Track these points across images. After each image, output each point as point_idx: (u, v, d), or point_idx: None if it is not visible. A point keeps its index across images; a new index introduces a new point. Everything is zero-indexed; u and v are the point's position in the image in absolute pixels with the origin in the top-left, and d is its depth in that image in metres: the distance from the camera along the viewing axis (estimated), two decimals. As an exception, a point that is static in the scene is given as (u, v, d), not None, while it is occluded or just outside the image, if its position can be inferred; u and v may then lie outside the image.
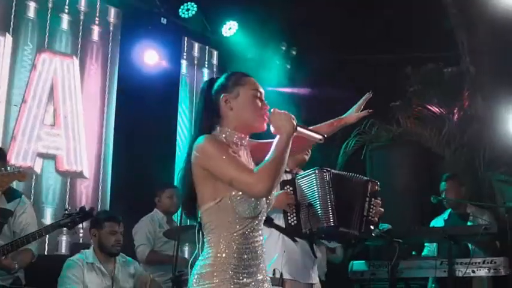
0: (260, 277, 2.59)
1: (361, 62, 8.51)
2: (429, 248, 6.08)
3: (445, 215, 6.19)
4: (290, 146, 2.57)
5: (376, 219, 4.07)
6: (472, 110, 7.82)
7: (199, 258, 2.60)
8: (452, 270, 5.33)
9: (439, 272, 5.48)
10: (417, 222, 6.67)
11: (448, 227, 5.59)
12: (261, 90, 2.74)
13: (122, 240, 4.81)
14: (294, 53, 9.09)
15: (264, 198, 2.59)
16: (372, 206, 4.02)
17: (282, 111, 2.65)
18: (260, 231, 2.64)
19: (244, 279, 2.53)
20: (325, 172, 3.91)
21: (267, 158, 2.52)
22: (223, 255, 2.52)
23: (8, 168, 3.41)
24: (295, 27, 8.48)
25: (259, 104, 2.70)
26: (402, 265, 5.59)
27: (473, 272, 5.37)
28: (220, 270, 2.51)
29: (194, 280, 2.55)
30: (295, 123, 2.60)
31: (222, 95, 2.67)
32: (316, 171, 3.90)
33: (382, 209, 4.07)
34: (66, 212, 4.35)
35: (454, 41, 8.18)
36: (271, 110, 2.66)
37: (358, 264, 5.90)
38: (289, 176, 4.07)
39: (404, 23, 8.12)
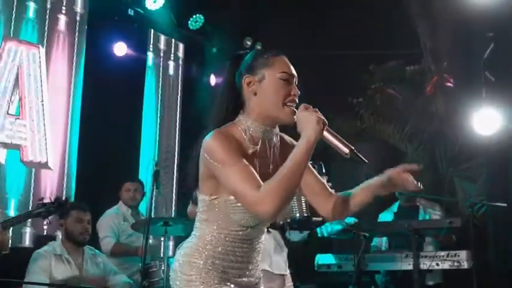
0: (245, 280, 2.42)
1: (324, 58, 8.58)
2: (377, 239, 6.19)
3: (394, 208, 6.32)
4: (311, 155, 2.21)
5: None
6: (434, 107, 7.97)
7: (184, 243, 2.45)
8: (417, 264, 5.44)
9: (404, 264, 5.59)
10: (377, 217, 6.77)
11: (414, 221, 5.68)
12: (293, 73, 2.38)
13: (89, 230, 4.76)
14: (259, 47, 9.10)
15: None
16: None
17: (310, 108, 2.28)
18: (257, 239, 2.43)
19: (222, 278, 2.35)
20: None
21: (280, 169, 2.20)
22: (205, 252, 2.36)
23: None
24: (260, 22, 8.51)
25: (288, 90, 2.35)
26: (368, 258, 5.70)
27: (437, 265, 5.49)
28: (199, 263, 2.35)
29: (175, 265, 2.41)
30: (321, 127, 2.23)
31: (246, 76, 2.37)
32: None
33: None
34: (42, 201, 4.29)
35: (417, 40, 8.32)
36: (300, 106, 2.31)
37: (324, 257, 5.97)
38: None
39: (367, 20, 8.21)
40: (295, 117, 2.30)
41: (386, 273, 5.95)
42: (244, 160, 2.24)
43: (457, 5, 7.14)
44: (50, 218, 4.27)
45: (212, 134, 2.28)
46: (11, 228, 4.28)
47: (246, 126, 2.37)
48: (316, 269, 5.96)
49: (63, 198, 4.36)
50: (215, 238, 2.36)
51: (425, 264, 5.46)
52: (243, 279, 2.42)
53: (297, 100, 2.36)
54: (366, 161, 2.28)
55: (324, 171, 4.14)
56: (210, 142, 2.26)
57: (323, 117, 2.24)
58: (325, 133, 2.27)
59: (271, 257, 4.11)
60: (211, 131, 2.31)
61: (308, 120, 2.23)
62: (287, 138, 2.55)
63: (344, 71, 8.25)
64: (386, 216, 6.32)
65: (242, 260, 2.40)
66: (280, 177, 2.16)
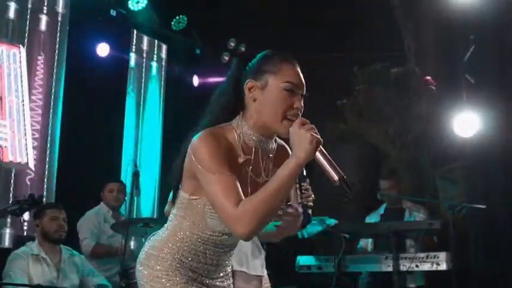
0: (213, 283, 2.33)
1: (309, 60, 8.56)
2: (364, 240, 6.21)
3: (381, 210, 6.34)
4: (298, 174, 2.10)
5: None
6: (417, 109, 8.00)
7: (155, 235, 2.37)
8: (397, 265, 5.47)
9: (384, 266, 5.62)
10: (361, 218, 6.80)
11: (394, 223, 5.71)
12: (299, 82, 2.19)
13: (65, 227, 4.74)
14: (243, 49, 9.10)
15: None
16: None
17: (307, 125, 2.09)
18: (232, 245, 2.35)
19: (190, 278, 2.26)
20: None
21: (263, 188, 2.07)
22: (174, 248, 2.27)
23: None
24: (243, 23, 8.51)
25: (291, 103, 2.17)
26: (348, 260, 5.72)
27: (416, 266, 5.52)
28: (167, 258, 2.26)
29: (143, 257, 2.33)
30: (314, 148, 2.06)
31: (249, 80, 2.20)
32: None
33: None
34: (16, 199, 4.27)
35: (401, 42, 8.36)
36: (296, 120, 2.12)
37: (304, 259, 5.99)
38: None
39: (352, 22, 8.24)
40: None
41: (369, 274, 5.98)
42: (229, 169, 2.11)
43: (439, 8, 7.17)
44: (24, 215, 4.23)
45: (202, 134, 2.16)
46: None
47: (241, 132, 2.23)
48: (296, 270, 5.97)
49: (37, 195, 4.31)
50: (187, 237, 2.27)
51: (405, 266, 5.49)
52: (212, 282, 2.34)
53: (300, 114, 2.18)
54: (350, 191, 2.11)
55: (305, 174, 4.15)
56: (198, 142, 2.15)
57: (318, 136, 2.07)
58: (318, 154, 2.11)
59: (249, 259, 4.11)
60: (204, 127, 2.20)
61: (301, 138, 2.06)
62: (287, 148, 2.38)
63: (329, 73, 8.26)
64: (372, 218, 6.34)
65: (212, 263, 2.32)
66: (261, 198, 2.04)
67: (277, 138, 2.34)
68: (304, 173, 4.04)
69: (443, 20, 7.20)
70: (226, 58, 8.93)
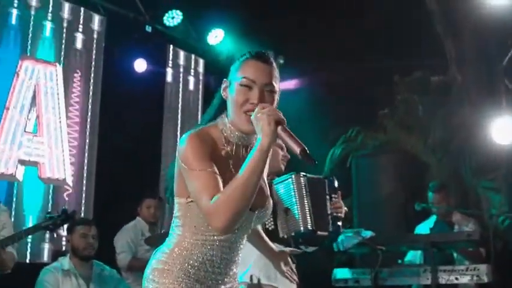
0: None
1: (349, 71, 8.51)
2: (413, 253, 6.05)
3: (431, 223, 6.16)
4: (268, 159, 2.09)
5: (342, 214, 4.07)
6: (458, 118, 7.82)
7: (159, 249, 2.34)
8: (435, 278, 5.31)
9: (422, 279, 5.46)
10: (402, 229, 6.66)
11: (431, 234, 5.57)
12: (255, 77, 2.20)
13: (94, 244, 4.76)
14: (281, 61, 9.08)
15: (247, 212, 2.16)
16: (333, 203, 4.03)
17: (267, 107, 2.12)
18: (236, 245, 2.31)
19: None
20: (301, 177, 3.89)
21: (233, 180, 2.08)
22: (179, 258, 2.25)
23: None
24: (282, 35, 8.48)
25: (247, 98, 2.19)
26: (385, 273, 5.58)
27: (456, 279, 5.35)
28: (172, 270, 2.24)
29: (148, 272, 2.31)
30: (273, 129, 2.07)
31: (224, 80, 2.29)
32: (293, 176, 3.87)
33: (344, 206, 4.06)
34: (49, 215, 4.32)
35: (442, 50, 8.20)
36: (257, 108, 2.14)
37: (341, 272, 5.88)
38: (265, 181, 4.05)
39: (391, 31, 8.13)
40: (249, 125, 2.17)
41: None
42: (211, 166, 2.14)
43: (477, 14, 7.02)
44: (60, 234, 4.29)
45: (186, 135, 2.20)
46: (15, 245, 4.29)
47: (224, 128, 2.26)
48: (333, 283, 5.87)
49: (71, 211, 4.36)
50: (191, 244, 2.25)
51: (443, 279, 5.33)
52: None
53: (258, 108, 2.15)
54: (315, 162, 2.08)
55: (336, 186, 4.09)
56: (182, 143, 2.18)
57: (277, 116, 2.09)
58: (281, 132, 2.09)
59: (277, 272, 4.05)
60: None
61: (260, 123, 2.08)
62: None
63: (369, 83, 8.17)
64: (422, 229, 6.18)
65: (219, 271, 2.29)
66: (232, 189, 2.06)
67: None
68: (336, 185, 4.00)
69: (482, 25, 7.04)
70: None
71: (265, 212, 2.32)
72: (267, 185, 3.71)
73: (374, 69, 8.29)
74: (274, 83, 2.25)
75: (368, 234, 5.60)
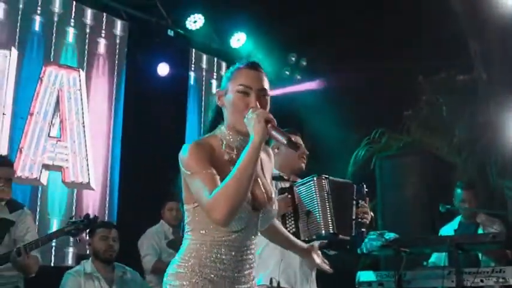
0: None
1: (372, 71, 8.47)
2: (437, 255, 5.98)
3: (455, 224, 6.08)
4: (258, 156, 2.26)
5: (367, 220, 4.03)
6: (484, 117, 7.74)
7: (177, 255, 2.44)
8: (460, 280, 5.23)
9: (446, 281, 5.38)
10: (428, 231, 6.58)
11: (455, 236, 5.49)
12: (250, 83, 2.37)
13: (115, 247, 4.79)
14: (304, 63, 9.06)
15: (251, 211, 2.33)
16: (359, 208, 3.99)
17: (257, 110, 2.31)
18: (245, 245, 2.41)
19: None
20: (323, 179, 3.85)
21: (229, 175, 2.23)
22: (191, 260, 2.35)
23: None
24: (304, 37, 8.46)
25: (246, 103, 2.35)
26: (409, 275, 5.52)
27: (481, 281, 5.26)
28: (185, 273, 2.34)
29: (166, 277, 2.40)
30: (263, 126, 2.26)
31: (217, 90, 2.48)
32: (315, 179, 3.84)
33: (370, 212, 4.03)
34: (71, 219, 4.35)
35: (466, 49, 8.13)
36: (250, 110, 2.32)
37: (365, 275, 5.82)
38: (287, 184, 4.03)
39: (415, 31, 8.08)
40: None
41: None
42: (211, 167, 2.28)
43: (502, 12, 6.94)
44: (84, 238, 4.31)
45: (187, 145, 2.34)
46: (38, 249, 4.33)
47: (223, 136, 2.42)
48: (356, 286, 5.82)
49: (93, 215, 4.38)
50: (201, 246, 2.36)
51: (468, 281, 5.25)
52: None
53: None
54: (296, 150, 2.37)
55: (365, 193, 4.05)
56: (182, 151, 2.33)
57: (266, 115, 2.27)
58: (271, 130, 2.28)
59: (297, 276, 4.03)
60: None
61: (251, 122, 2.27)
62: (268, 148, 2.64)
63: (393, 84, 8.12)
64: (447, 231, 6.11)
65: (232, 270, 2.38)
66: (227, 183, 2.21)
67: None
68: (365, 192, 3.96)
69: (506, 24, 6.95)
70: (287, 73, 8.92)
71: (271, 212, 2.44)
72: (290, 186, 3.73)
73: (398, 70, 8.24)
74: (266, 87, 2.42)
75: (392, 236, 5.55)
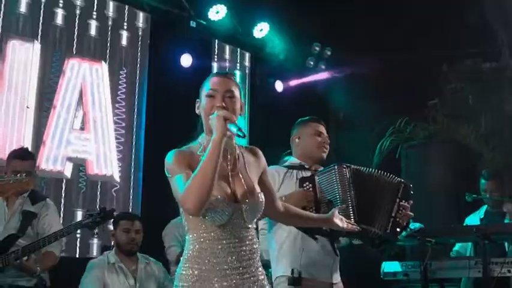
0: (233, 282, 2.53)
1: (397, 60, 8.37)
2: (461, 244, 5.89)
3: (481, 213, 6.00)
4: (220, 151, 2.45)
5: (404, 223, 3.94)
6: (510, 105, 7.62)
7: None
8: (486, 270, 5.15)
9: (473, 272, 5.31)
10: (454, 220, 6.49)
11: (482, 225, 5.40)
12: (215, 86, 2.64)
13: (137, 239, 4.78)
14: (329, 53, 8.99)
15: (232, 204, 2.54)
16: (401, 209, 3.89)
17: (219, 110, 2.54)
18: (236, 238, 2.57)
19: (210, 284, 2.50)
20: (344, 168, 3.80)
21: (197, 168, 2.45)
22: (190, 259, 2.53)
23: (16, 176, 3.40)
24: (327, 26, 8.39)
25: (213, 104, 2.60)
26: (435, 265, 5.45)
27: (508, 271, 5.18)
28: (186, 274, 2.52)
29: (175, 282, 2.61)
30: (222, 123, 2.48)
31: (196, 101, 2.74)
32: (336, 167, 3.79)
33: (412, 214, 3.93)
34: (89, 212, 4.35)
35: (493, 36, 8.00)
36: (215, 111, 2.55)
37: (390, 265, 5.76)
38: (308, 173, 3.98)
39: (441, 19, 7.96)
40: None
41: (472, 281, 5.66)
42: (189, 170, 2.50)
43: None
44: (97, 228, 4.30)
45: (169, 152, 2.61)
46: (63, 241, 4.35)
47: (202, 141, 2.67)
48: (382, 277, 5.76)
49: (109, 208, 4.37)
50: (196, 243, 2.53)
51: (495, 271, 5.17)
52: (230, 281, 2.52)
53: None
54: (243, 136, 2.51)
55: (410, 193, 3.96)
56: (166, 158, 2.60)
57: (225, 114, 2.49)
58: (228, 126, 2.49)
59: (317, 264, 3.99)
60: None
61: (213, 121, 2.50)
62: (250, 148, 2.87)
63: (418, 73, 8.03)
64: (472, 220, 6.03)
65: (227, 263, 2.52)
66: (194, 177, 2.42)
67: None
68: (411, 192, 3.87)
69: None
70: (311, 63, 8.86)
71: (256, 205, 2.60)
72: (312, 175, 3.71)
73: (422, 58, 8.14)
74: (233, 90, 2.64)
75: (417, 226, 5.47)
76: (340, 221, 3.20)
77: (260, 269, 2.65)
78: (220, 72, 2.85)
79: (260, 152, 2.84)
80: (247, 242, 2.59)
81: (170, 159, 2.57)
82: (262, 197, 2.65)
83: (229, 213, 2.52)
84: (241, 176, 2.64)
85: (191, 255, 2.53)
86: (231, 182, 2.59)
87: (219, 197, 2.49)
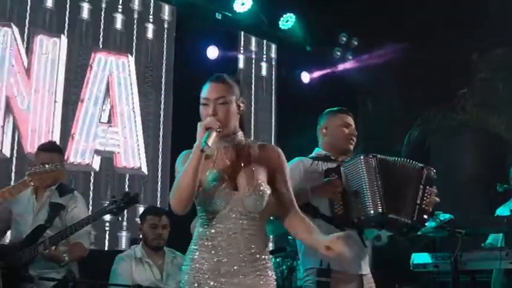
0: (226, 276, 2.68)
1: (425, 49, 8.27)
2: (494, 236, 5.81)
3: (511, 204, 5.91)
4: (198, 158, 2.60)
5: (430, 208, 3.88)
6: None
7: None
8: (517, 262, 5.08)
9: (504, 263, 5.23)
10: (484, 212, 6.41)
11: (510, 216, 5.31)
12: (207, 95, 2.77)
13: (164, 235, 4.74)
14: (356, 43, 8.92)
15: (231, 191, 2.67)
16: (426, 195, 3.83)
17: (205, 120, 2.69)
18: (235, 226, 2.69)
19: (204, 276, 2.69)
20: (370, 158, 3.74)
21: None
22: (193, 252, 2.76)
23: (49, 165, 3.40)
24: (354, 16, 8.31)
25: (206, 113, 2.75)
26: (465, 257, 5.38)
27: (540, 262, 5.10)
28: (189, 262, 2.77)
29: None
30: (202, 129, 2.64)
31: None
32: (362, 158, 3.74)
33: (437, 198, 3.87)
34: (113, 198, 4.33)
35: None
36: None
37: (420, 257, 5.71)
38: (334, 164, 3.94)
39: (470, 8, 7.84)
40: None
41: (503, 273, 5.58)
42: None
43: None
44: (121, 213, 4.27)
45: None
46: (91, 234, 4.36)
47: None
48: (411, 268, 5.71)
49: (133, 193, 4.33)
50: (201, 236, 2.74)
51: (525, 263, 5.09)
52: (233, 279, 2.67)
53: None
54: (219, 131, 2.66)
55: (433, 178, 3.88)
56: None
57: (207, 123, 2.64)
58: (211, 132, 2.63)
59: (348, 257, 3.94)
60: None
61: (198, 129, 2.66)
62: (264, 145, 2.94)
63: (447, 62, 7.92)
64: (503, 211, 5.94)
65: (226, 250, 2.67)
66: (178, 179, 2.64)
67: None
68: (434, 177, 3.81)
69: None
70: (338, 53, 8.80)
71: (255, 193, 2.68)
72: (337, 166, 3.66)
73: (452, 48, 8.03)
74: (224, 95, 2.75)
75: (447, 217, 5.40)
76: (339, 246, 2.86)
77: (264, 256, 2.75)
78: (212, 78, 2.85)
79: (276, 152, 2.89)
80: (246, 232, 2.70)
81: (178, 160, 2.82)
82: (264, 189, 2.72)
83: (227, 199, 2.67)
84: (242, 169, 2.74)
85: (197, 238, 2.75)
86: (233, 172, 2.72)
87: (216, 183, 2.66)
